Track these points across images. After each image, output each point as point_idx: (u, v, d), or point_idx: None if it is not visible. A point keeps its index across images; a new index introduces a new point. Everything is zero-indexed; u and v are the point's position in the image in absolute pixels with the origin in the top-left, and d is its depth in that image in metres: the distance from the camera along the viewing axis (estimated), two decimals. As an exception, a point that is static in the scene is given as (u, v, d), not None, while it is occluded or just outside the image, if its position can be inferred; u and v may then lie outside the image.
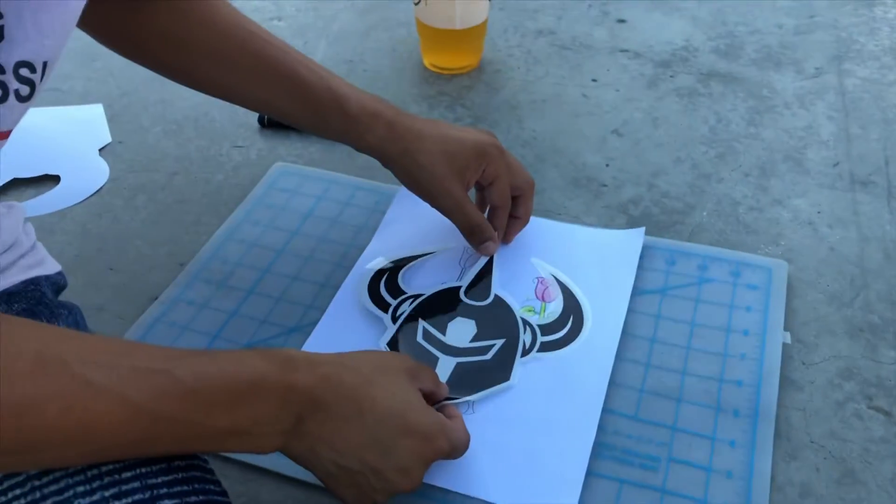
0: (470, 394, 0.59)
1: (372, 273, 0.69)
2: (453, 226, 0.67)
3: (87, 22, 0.52)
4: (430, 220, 0.68)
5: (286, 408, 0.44)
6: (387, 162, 0.65)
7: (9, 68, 0.41)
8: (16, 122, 0.44)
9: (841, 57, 0.97)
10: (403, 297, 0.67)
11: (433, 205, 0.65)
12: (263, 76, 0.63)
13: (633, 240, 0.71)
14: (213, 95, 0.67)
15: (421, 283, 0.68)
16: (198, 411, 0.41)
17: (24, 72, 0.42)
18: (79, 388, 0.37)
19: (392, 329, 0.64)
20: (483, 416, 0.58)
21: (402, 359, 0.53)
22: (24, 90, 0.42)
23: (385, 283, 0.68)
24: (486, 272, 0.68)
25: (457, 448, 0.51)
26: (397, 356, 0.54)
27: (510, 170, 0.66)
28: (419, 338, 0.63)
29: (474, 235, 0.67)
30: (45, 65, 0.43)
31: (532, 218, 0.71)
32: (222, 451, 0.43)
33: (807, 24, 1.04)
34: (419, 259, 0.70)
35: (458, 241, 0.69)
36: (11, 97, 0.42)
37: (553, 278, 0.68)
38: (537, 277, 0.68)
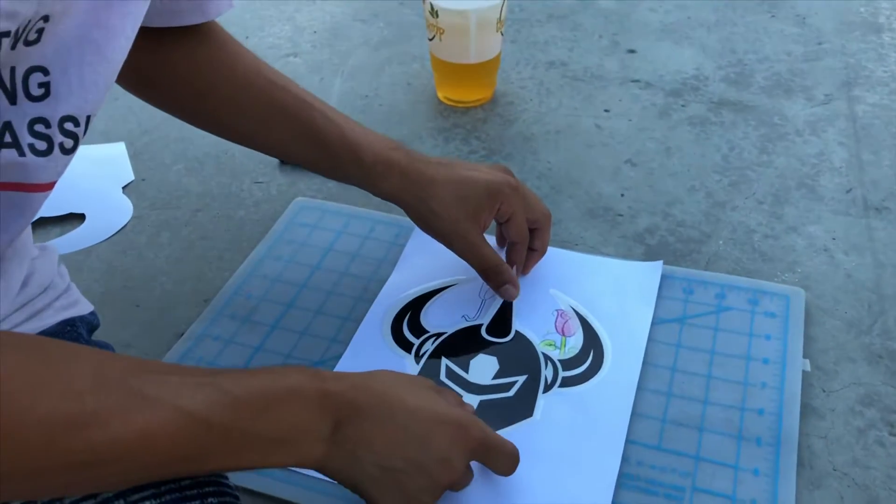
0: (497, 429, 0.59)
1: (397, 310, 0.70)
2: None
3: None
4: (449, 251, 0.69)
5: (323, 414, 0.45)
6: (402, 207, 0.67)
7: (54, 123, 0.43)
8: (60, 174, 0.45)
9: (850, 83, 0.98)
10: (426, 335, 0.68)
11: (449, 248, 0.67)
12: (282, 125, 0.65)
13: (651, 273, 0.72)
14: (235, 141, 0.69)
15: (443, 320, 0.69)
16: (245, 419, 0.42)
17: (68, 126, 0.43)
18: (137, 400, 0.38)
19: (416, 369, 0.65)
20: None
21: (424, 378, 0.55)
22: (68, 143, 0.44)
23: (408, 322, 0.69)
24: (506, 306, 0.69)
25: (492, 440, 0.52)
26: (419, 377, 0.55)
27: (526, 204, 0.67)
28: (442, 376, 0.64)
29: (490, 278, 0.68)
30: (87, 119, 0.44)
31: (550, 248, 0.72)
32: (268, 465, 0.44)
33: (815, 51, 1.05)
34: (440, 293, 0.71)
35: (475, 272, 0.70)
36: (56, 150, 0.43)
37: (573, 311, 0.69)
38: (557, 310, 0.69)
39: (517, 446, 0.58)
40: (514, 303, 0.69)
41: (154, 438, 0.38)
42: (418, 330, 0.68)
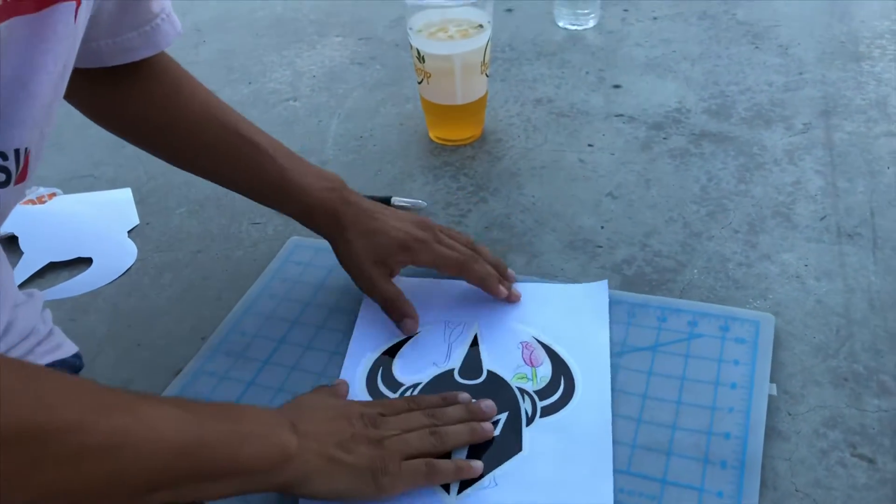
0: (491, 469, 0.61)
1: (368, 368, 0.71)
2: (428, 301, 0.76)
3: (79, 101, 0.59)
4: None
5: (278, 413, 0.53)
6: (329, 243, 0.75)
7: None
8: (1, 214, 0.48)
9: (829, 112, 1.01)
10: (403, 388, 0.69)
11: (356, 284, 0.76)
12: (232, 165, 0.73)
13: (598, 292, 0.75)
14: (197, 175, 0.76)
15: (414, 369, 0.71)
16: (214, 419, 0.48)
17: None
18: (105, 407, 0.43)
19: None
20: (505, 488, 0.61)
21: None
22: (1, 177, 0.46)
23: (382, 378, 0.70)
24: (474, 348, 0.72)
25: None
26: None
27: (442, 253, 0.74)
28: None
29: (389, 310, 0.74)
30: (17, 152, 0.46)
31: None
32: (244, 460, 0.49)
33: (796, 81, 1.08)
34: (406, 343, 0.73)
35: (436, 316, 0.75)
36: None
37: (535, 341, 0.72)
38: (521, 342, 0.72)
39: (512, 482, 0.61)
40: (481, 341, 0.72)
41: (127, 436, 0.42)
42: (394, 384, 0.70)
